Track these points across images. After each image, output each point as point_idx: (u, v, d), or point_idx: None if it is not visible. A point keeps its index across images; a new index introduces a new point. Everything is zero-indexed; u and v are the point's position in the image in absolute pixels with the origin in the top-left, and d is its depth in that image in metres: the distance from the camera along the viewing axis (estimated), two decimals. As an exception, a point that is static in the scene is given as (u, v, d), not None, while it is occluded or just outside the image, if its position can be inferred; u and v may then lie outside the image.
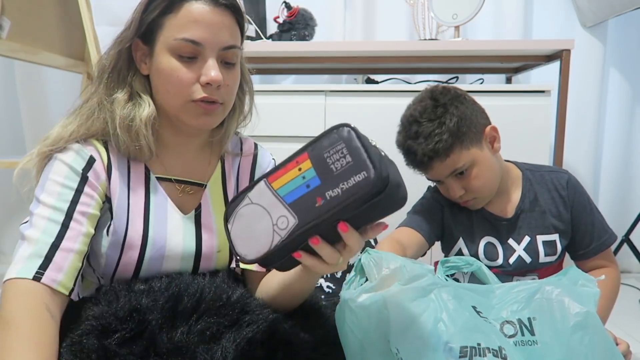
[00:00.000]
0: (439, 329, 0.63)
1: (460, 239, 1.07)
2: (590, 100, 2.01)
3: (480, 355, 0.61)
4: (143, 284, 0.71)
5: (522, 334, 0.67)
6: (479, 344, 0.62)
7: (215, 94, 0.73)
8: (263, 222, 0.54)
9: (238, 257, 0.57)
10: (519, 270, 1.03)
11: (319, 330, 0.70)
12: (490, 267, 1.03)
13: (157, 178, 0.79)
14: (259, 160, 0.90)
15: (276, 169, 0.54)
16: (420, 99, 1.04)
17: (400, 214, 1.10)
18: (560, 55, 1.58)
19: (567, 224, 1.03)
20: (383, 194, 0.49)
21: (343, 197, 0.50)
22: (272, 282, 0.76)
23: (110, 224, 0.73)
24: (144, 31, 0.74)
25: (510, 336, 0.67)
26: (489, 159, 1.00)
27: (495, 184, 1.02)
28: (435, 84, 1.05)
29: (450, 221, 1.08)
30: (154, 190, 0.78)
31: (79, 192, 0.70)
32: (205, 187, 0.83)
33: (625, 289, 1.85)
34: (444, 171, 0.98)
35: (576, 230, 1.03)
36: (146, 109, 0.74)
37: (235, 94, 0.80)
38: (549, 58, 1.69)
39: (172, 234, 0.77)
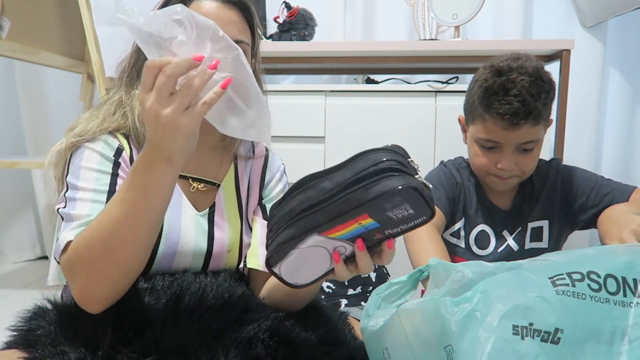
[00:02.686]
0: None
1: (463, 219, 1.08)
2: (590, 100, 2.01)
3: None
4: (146, 282, 0.71)
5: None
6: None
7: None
8: (318, 255, 0.57)
9: (291, 287, 0.60)
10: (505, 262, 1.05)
11: (320, 329, 0.70)
12: (476, 256, 1.06)
13: None
14: (269, 163, 0.91)
15: (330, 226, 0.53)
16: (529, 57, 0.97)
17: None
18: (560, 55, 1.58)
19: (558, 206, 1.04)
20: None
21: (400, 232, 0.55)
22: (280, 288, 0.75)
23: None
24: None
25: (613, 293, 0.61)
26: (540, 150, 1.00)
27: (531, 173, 1.03)
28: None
29: (461, 199, 1.08)
30: None
31: (114, 175, 0.73)
32: (218, 186, 0.83)
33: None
34: (522, 137, 0.94)
35: (586, 198, 1.02)
36: None
37: None
38: (549, 58, 1.69)
39: (185, 229, 0.77)
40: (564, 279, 0.61)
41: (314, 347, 0.66)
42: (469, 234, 1.07)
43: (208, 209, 0.81)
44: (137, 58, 0.79)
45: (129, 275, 0.64)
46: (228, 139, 0.85)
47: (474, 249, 1.07)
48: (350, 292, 1.50)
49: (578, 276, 0.61)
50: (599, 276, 0.62)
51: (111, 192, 0.71)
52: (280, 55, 1.72)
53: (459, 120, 1.10)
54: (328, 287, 1.48)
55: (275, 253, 0.56)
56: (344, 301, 1.45)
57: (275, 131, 1.80)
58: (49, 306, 0.70)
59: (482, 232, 1.07)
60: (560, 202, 1.04)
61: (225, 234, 0.81)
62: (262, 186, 0.89)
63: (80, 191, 0.70)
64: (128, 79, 0.79)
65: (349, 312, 1.00)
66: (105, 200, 0.69)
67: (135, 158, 0.77)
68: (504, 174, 0.98)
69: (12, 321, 0.69)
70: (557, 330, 0.56)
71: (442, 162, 1.16)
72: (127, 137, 0.78)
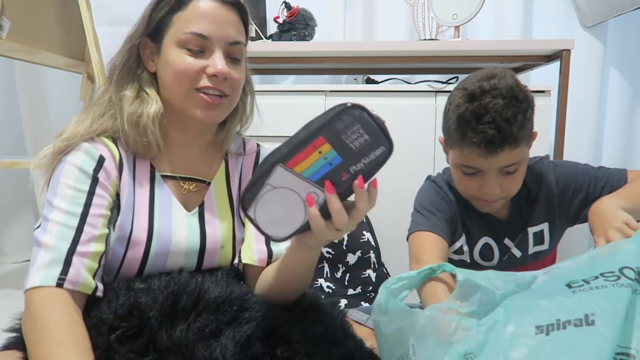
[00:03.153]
0: None
1: (463, 235, 1.06)
2: (590, 100, 2.01)
3: None
4: (142, 283, 0.71)
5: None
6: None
7: (222, 85, 0.76)
8: (291, 202, 0.57)
9: (270, 239, 0.60)
10: (510, 269, 1.04)
11: (319, 326, 0.70)
12: (482, 267, 1.04)
13: (162, 176, 0.80)
14: (261, 158, 0.91)
15: (291, 154, 0.56)
16: (502, 74, 0.91)
17: (407, 199, 1.09)
18: (560, 55, 1.57)
19: (557, 207, 1.03)
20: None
21: (366, 169, 0.56)
22: (270, 270, 0.78)
23: (117, 220, 0.74)
24: (153, 29, 0.77)
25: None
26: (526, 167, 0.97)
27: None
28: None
29: (458, 217, 1.05)
30: (158, 187, 0.79)
31: (91, 194, 0.71)
32: (209, 184, 0.84)
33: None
34: (502, 162, 0.90)
35: (585, 193, 1.01)
36: (153, 105, 0.76)
37: (241, 89, 0.82)
38: (549, 58, 1.69)
39: (177, 229, 0.77)
40: (581, 284, 0.64)
41: (312, 345, 0.66)
42: (473, 248, 1.05)
43: (197, 207, 0.81)
44: (130, 56, 0.78)
45: None
46: (221, 135, 0.86)
47: (479, 261, 1.05)
48: (350, 292, 1.50)
49: (592, 277, 0.64)
50: (613, 272, 0.64)
51: (84, 214, 0.69)
52: (280, 55, 1.72)
53: (440, 142, 1.06)
54: (328, 287, 1.49)
55: (247, 192, 0.58)
56: (343, 301, 1.45)
57: (276, 131, 1.81)
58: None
59: (485, 244, 1.05)
60: (559, 203, 1.03)
61: (218, 231, 0.81)
62: None
63: (54, 211, 0.69)
64: (119, 77, 0.78)
65: (351, 314, 1.00)
66: (76, 224, 0.68)
67: (124, 162, 0.77)
68: (489, 197, 0.95)
69: (11, 322, 0.69)
70: (587, 315, 0.58)
71: (429, 177, 1.12)
72: (114, 141, 0.78)
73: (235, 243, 0.84)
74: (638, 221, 0.91)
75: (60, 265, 0.65)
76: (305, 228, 0.59)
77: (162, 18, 0.75)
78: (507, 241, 1.04)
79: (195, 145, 0.84)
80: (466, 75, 2.10)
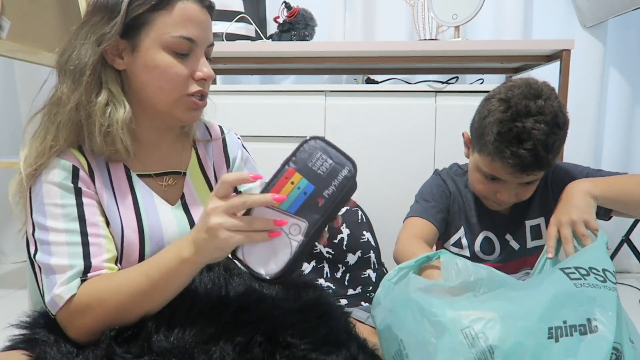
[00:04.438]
0: None
1: (462, 228, 1.07)
2: (590, 100, 2.01)
3: None
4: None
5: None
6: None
7: (205, 86, 0.77)
8: (275, 238, 0.60)
9: (262, 279, 0.61)
10: (509, 262, 1.05)
11: (321, 329, 0.69)
12: (483, 261, 1.06)
13: (138, 175, 0.79)
14: (228, 143, 0.94)
15: (266, 190, 0.60)
16: (548, 94, 0.91)
17: (408, 198, 1.10)
18: (560, 55, 1.57)
19: (551, 202, 1.02)
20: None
21: (338, 191, 0.60)
22: None
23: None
24: (128, 22, 0.72)
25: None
26: None
27: None
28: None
29: (456, 209, 1.08)
30: (138, 188, 0.79)
31: (80, 205, 0.71)
32: (184, 175, 0.85)
33: (625, 289, 1.85)
34: (527, 180, 0.94)
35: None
36: (122, 111, 0.73)
37: None
38: (549, 58, 1.69)
39: (166, 225, 0.78)
40: (574, 272, 0.68)
41: (313, 349, 0.65)
42: (473, 242, 1.07)
43: (180, 200, 0.82)
44: (99, 56, 0.72)
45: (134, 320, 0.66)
46: (186, 126, 0.87)
47: (480, 255, 1.07)
48: (351, 292, 1.50)
49: (584, 271, 0.68)
50: (597, 270, 0.69)
51: (83, 226, 0.70)
52: (280, 55, 1.72)
53: (463, 136, 1.07)
54: (328, 287, 1.49)
55: None
56: (343, 301, 1.45)
57: (276, 131, 1.81)
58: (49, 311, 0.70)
59: (486, 238, 1.07)
60: (554, 199, 1.02)
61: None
62: (228, 165, 0.93)
63: (52, 233, 0.68)
64: (87, 82, 0.71)
65: (351, 312, 1.00)
66: (79, 239, 0.69)
67: (94, 170, 0.74)
68: (502, 203, 0.99)
69: (13, 322, 0.69)
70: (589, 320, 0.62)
71: (435, 170, 1.16)
72: (79, 148, 0.75)
73: None
74: (609, 218, 0.93)
75: (79, 277, 0.67)
76: (294, 263, 0.60)
77: (139, 15, 0.71)
78: (507, 236, 1.06)
79: (164, 140, 0.84)
80: (466, 75, 2.09)
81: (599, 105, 2.03)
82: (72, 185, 0.71)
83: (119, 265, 0.73)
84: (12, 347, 0.67)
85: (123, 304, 0.65)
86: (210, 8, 0.78)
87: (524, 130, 0.88)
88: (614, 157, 2.08)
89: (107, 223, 0.74)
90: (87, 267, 0.67)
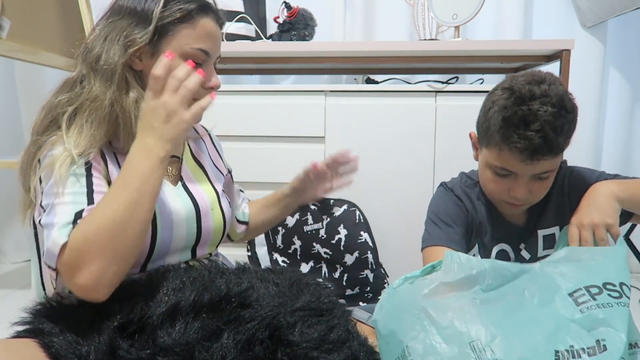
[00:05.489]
0: None
1: (477, 245, 1.04)
2: (590, 100, 2.01)
3: None
4: (144, 285, 0.71)
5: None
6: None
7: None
8: None
9: None
10: None
11: (322, 326, 0.69)
12: None
13: None
14: (213, 139, 1.07)
15: None
16: (552, 80, 0.90)
17: (407, 199, 1.09)
18: (560, 55, 1.57)
19: (568, 211, 0.99)
20: None
21: None
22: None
23: None
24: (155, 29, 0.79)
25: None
26: None
27: None
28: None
29: (473, 227, 1.03)
30: None
31: (89, 176, 0.74)
32: (181, 160, 0.92)
33: (625, 289, 1.85)
34: (540, 169, 0.89)
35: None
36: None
37: None
38: (549, 58, 1.69)
39: (172, 202, 0.84)
40: (587, 299, 0.66)
41: (314, 347, 0.66)
42: (487, 256, 1.03)
43: (179, 181, 0.90)
44: (127, 57, 0.78)
45: (136, 252, 0.69)
46: None
47: None
48: (349, 292, 1.50)
49: (596, 290, 0.67)
50: (614, 285, 0.67)
51: (90, 192, 0.72)
52: (280, 55, 1.72)
53: (471, 137, 1.04)
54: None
55: None
56: (341, 301, 1.45)
57: (276, 131, 1.80)
58: (53, 303, 0.71)
59: (502, 251, 1.03)
60: (571, 206, 0.98)
61: (203, 194, 0.91)
62: (221, 157, 1.06)
63: (58, 197, 0.71)
64: (119, 79, 0.78)
65: (352, 312, 1.00)
66: (86, 200, 0.71)
67: (105, 153, 0.80)
68: (517, 201, 0.94)
69: (16, 318, 0.69)
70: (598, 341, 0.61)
71: (443, 184, 1.09)
72: None
73: (222, 206, 0.94)
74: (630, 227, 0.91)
75: (72, 228, 0.68)
76: None
77: (165, 25, 0.79)
78: (522, 246, 1.03)
79: None
80: (466, 75, 2.09)
81: (599, 105, 2.03)
82: (83, 160, 0.75)
83: None
84: (19, 337, 0.67)
85: (117, 222, 0.65)
86: (222, 25, 0.88)
87: (529, 112, 0.85)
88: (614, 157, 2.08)
89: None
90: (80, 213, 0.69)
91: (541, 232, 1.02)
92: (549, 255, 1.02)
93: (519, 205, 0.95)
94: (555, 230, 1.02)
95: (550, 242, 1.01)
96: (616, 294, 0.66)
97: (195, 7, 0.81)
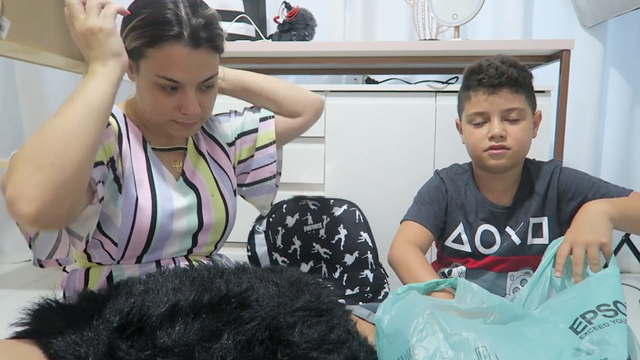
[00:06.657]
0: None
1: (461, 224, 1.10)
2: (590, 100, 2.01)
3: None
4: (143, 284, 0.71)
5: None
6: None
7: (193, 118, 0.85)
8: None
9: None
10: (510, 257, 1.06)
11: (322, 326, 0.69)
12: (484, 255, 1.08)
13: (152, 148, 0.91)
14: (213, 128, 1.05)
15: None
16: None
17: (407, 199, 1.12)
18: (560, 56, 1.57)
19: (556, 204, 1.06)
20: None
21: None
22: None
23: (120, 189, 0.82)
24: (130, 50, 0.80)
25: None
26: (530, 131, 1.05)
27: (524, 153, 1.06)
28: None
29: (454, 206, 1.11)
30: (152, 159, 0.89)
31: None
32: (185, 151, 0.96)
33: (625, 289, 1.85)
34: (504, 103, 1.01)
35: (583, 197, 1.03)
36: None
37: (213, 105, 0.90)
38: (549, 58, 1.69)
39: (174, 191, 0.88)
40: (585, 325, 0.69)
41: (314, 348, 0.66)
42: (473, 237, 1.09)
43: (181, 175, 0.93)
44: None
45: (68, 163, 0.66)
46: None
47: (481, 249, 1.09)
48: (348, 292, 1.50)
49: (591, 314, 0.70)
50: (608, 305, 0.70)
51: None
52: (280, 55, 1.72)
53: (456, 123, 1.16)
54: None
55: None
56: (341, 301, 1.45)
57: (275, 131, 1.78)
58: (53, 304, 0.71)
59: (486, 231, 1.09)
60: (558, 201, 1.06)
61: (203, 182, 0.94)
62: (219, 145, 1.04)
63: None
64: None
65: (353, 309, 1.00)
66: None
67: (123, 134, 0.86)
68: (496, 142, 1.01)
69: (16, 319, 0.69)
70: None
71: (436, 171, 1.20)
72: (125, 115, 0.90)
73: (223, 194, 0.96)
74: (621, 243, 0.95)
75: None
76: None
77: (137, 47, 0.79)
78: (508, 229, 1.08)
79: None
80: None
81: (599, 105, 2.03)
82: None
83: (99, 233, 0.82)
84: (18, 337, 0.67)
85: (37, 141, 0.66)
86: (211, 46, 0.82)
87: (487, 61, 1.04)
88: (614, 157, 2.08)
89: (119, 190, 0.82)
90: None
91: (532, 220, 1.07)
92: (538, 244, 1.07)
93: (499, 151, 1.02)
94: (543, 220, 1.07)
95: (538, 231, 1.07)
96: (611, 313, 0.68)
97: (160, 33, 0.76)
